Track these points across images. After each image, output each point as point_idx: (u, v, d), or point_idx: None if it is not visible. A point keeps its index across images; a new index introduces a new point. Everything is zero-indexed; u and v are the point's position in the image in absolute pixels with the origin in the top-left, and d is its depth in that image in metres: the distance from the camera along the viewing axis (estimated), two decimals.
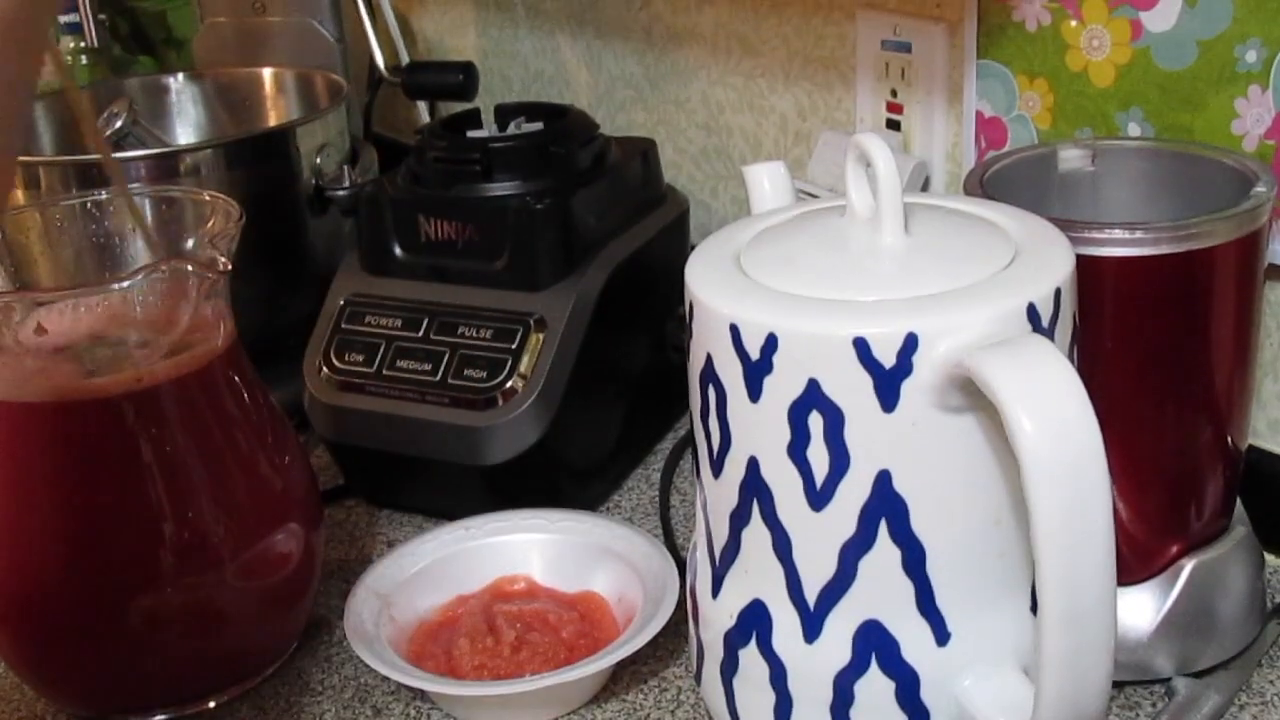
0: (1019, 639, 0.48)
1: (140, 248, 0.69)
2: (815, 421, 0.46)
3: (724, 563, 0.51)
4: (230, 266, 0.62)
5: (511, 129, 0.84)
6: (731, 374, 0.47)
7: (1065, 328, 0.47)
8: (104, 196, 0.70)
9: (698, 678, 0.55)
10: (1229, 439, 0.62)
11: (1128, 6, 0.69)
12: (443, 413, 0.76)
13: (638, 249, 0.82)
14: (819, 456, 0.46)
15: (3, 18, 0.41)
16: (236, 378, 0.66)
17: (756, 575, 0.50)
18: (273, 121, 1.05)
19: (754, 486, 0.48)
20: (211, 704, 0.67)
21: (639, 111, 1.07)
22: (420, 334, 0.78)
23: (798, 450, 0.46)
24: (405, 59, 1.22)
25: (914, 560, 0.47)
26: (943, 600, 0.47)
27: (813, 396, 0.45)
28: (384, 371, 0.78)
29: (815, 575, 0.48)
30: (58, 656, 0.64)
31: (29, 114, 0.43)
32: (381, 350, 0.79)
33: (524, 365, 0.75)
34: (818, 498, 0.47)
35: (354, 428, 0.79)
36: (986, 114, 0.79)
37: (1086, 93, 0.73)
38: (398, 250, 0.81)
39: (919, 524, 0.46)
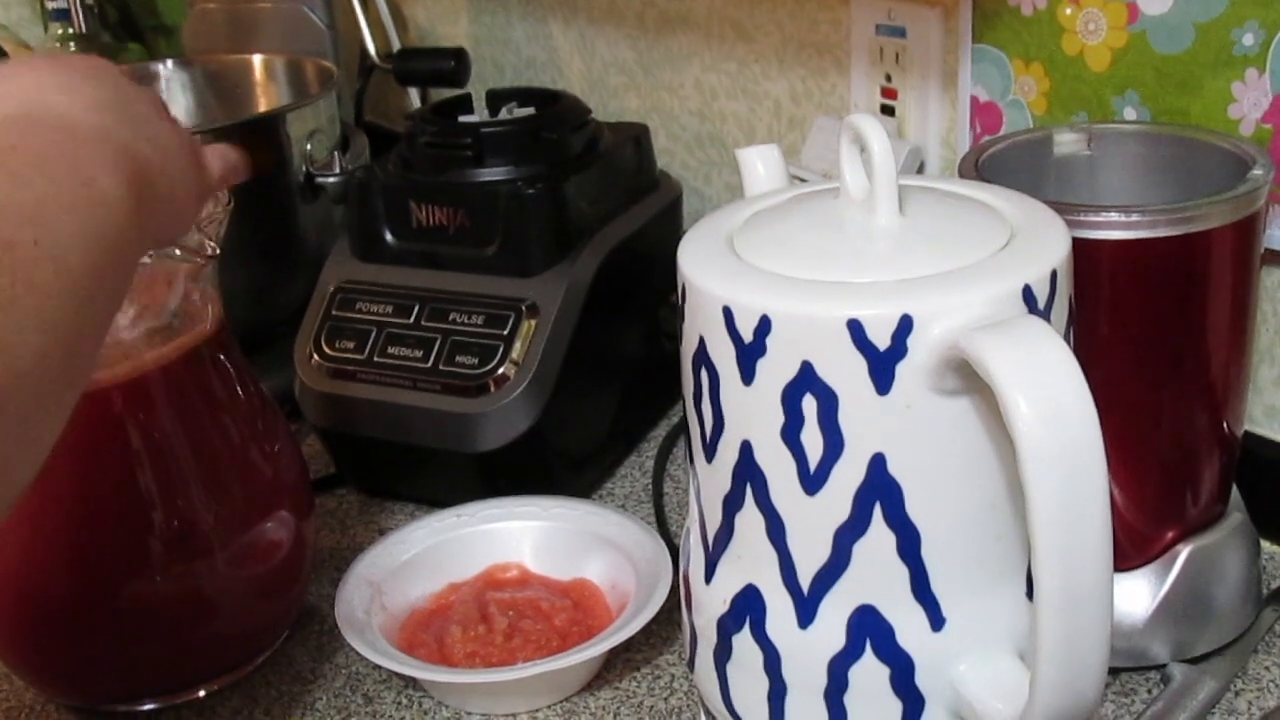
0: (1015, 624, 0.48)
1: None
2: (809, 404, 0.45)
3: (717, 548, 0.51)
4: (218, 251, 0.61)
5: (503, 114, 0.84)
6: (724, 357, 0.47)
7: (1061, 311, 0.47)
8: None
9: (691, 664, 0.55)
10: (1225, 425, 0.61)
11: None
12: (434, 400, 0.76)
13: (630, 235, 0.82)
14: (813, 440, 0.46)
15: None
16: (226, 364, 0.65)
17: (750, 560, 0.49)
18: (263, 108, 1.05)
19: (747, 471, 0.48)
20: (202, 693, 0.66)
21: (632, 98, 1.06)
22: (411, 320, 0.78)
23: (791, 433, 0.46)
24: (397, 45, 1.21)
25: (909, 544, 0.46)
26: (938, 585, 0.47)
27: (806, 379, 0.45)
28: (375, 358, 0.78)
29: (809, 560, 0.48)
30: (47, 646, 0.64)
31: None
32: (373, 337, 0.78)
33: (516, 351, 0.75)
34: (811, 481, 0.46)
35: (345, 415, 0.79)
36: (982, 99, 0.78)
37: (1082, 77, 0.72)
38: (389, 236, 0.80)
39: (914, 508, 0.46)
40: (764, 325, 0.45)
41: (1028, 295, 0.45)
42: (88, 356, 0.42)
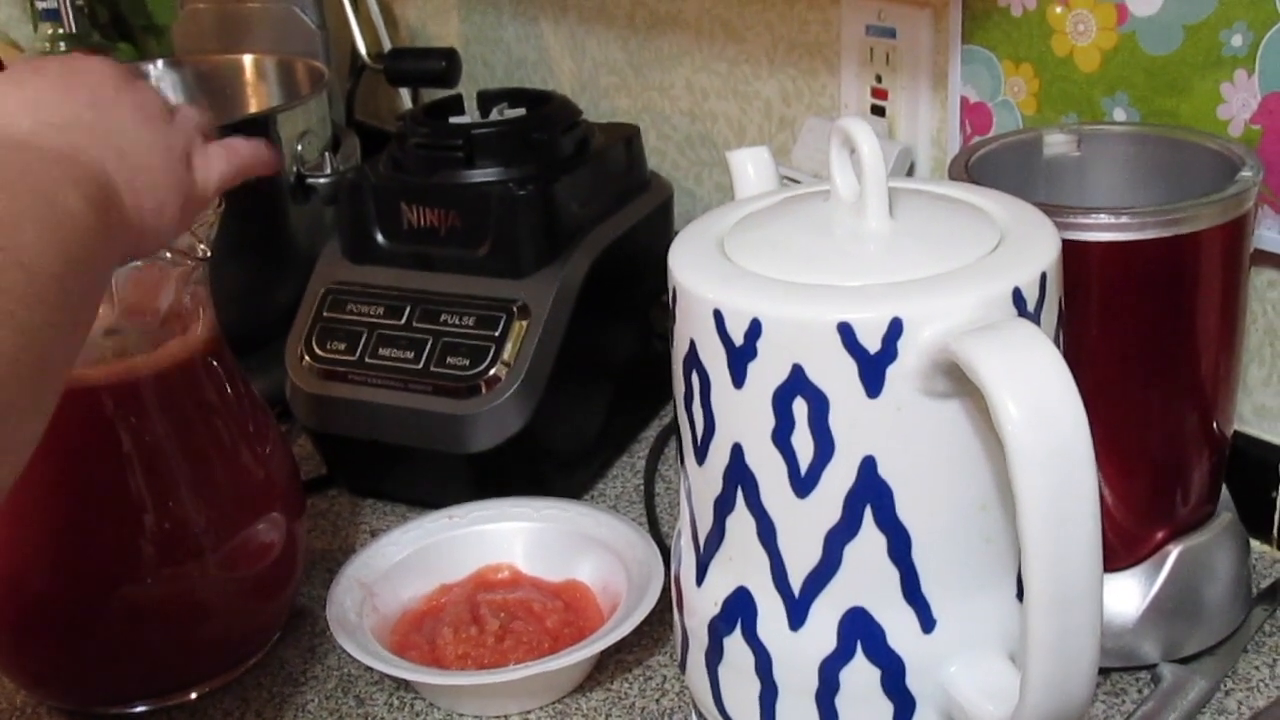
0: (1005, 625, 0.48)
1: None
2: (800, 407, 0.45)
3: (708, 550, 0.51)
4: (210, 254, 0.61)
5: (494, 115, 0.83)
6: (715, 360, 0.47)
7: (1051, 313, 0.47)
8: None
9: (682, 666, 0.55)
10: (1214, 425, 0.62)
11: None
12: (425, 401, 0.76)
13: (621, 236, 0.82)
14: (803, 443, 0.46)
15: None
16: (217, 366, 0.65)
17: (741, 562, 0.50)
18: (253, 109, 1.04)
19: (738, 473, 0.48)
20: (194, 695, 0.66)
21: (623, 98, 1.06)
22: (403, 322, 0.78)
23: (782, 436, 0.46)
24: (387, 45, 1.21)
25: (899, 547, 0.46)
26: (928, 587, 0.47)
27: (797, 382, 0.45)
28: (366, 360, 0.78)
29: (800, 562, 0.48)
30: (38, 648, 0.64)
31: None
32: (364, 338, 0.78)
33: (507, 353, 0.75)
34: (802, 484, 0.46)
35: (336, 416, 0.79)
36: (971, 99, 0.78)
37: (1072, 78, 0.72)
38: (380, 238, 0.80)
39: (904, 510, 0.46)
40: (755, 328, 0.45)
41: (1017, 298, 0.45)
42: (61, 364, 0.43)
